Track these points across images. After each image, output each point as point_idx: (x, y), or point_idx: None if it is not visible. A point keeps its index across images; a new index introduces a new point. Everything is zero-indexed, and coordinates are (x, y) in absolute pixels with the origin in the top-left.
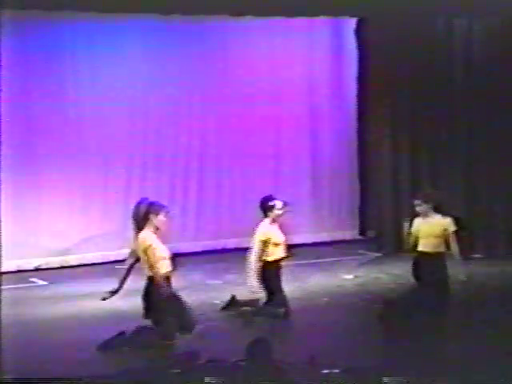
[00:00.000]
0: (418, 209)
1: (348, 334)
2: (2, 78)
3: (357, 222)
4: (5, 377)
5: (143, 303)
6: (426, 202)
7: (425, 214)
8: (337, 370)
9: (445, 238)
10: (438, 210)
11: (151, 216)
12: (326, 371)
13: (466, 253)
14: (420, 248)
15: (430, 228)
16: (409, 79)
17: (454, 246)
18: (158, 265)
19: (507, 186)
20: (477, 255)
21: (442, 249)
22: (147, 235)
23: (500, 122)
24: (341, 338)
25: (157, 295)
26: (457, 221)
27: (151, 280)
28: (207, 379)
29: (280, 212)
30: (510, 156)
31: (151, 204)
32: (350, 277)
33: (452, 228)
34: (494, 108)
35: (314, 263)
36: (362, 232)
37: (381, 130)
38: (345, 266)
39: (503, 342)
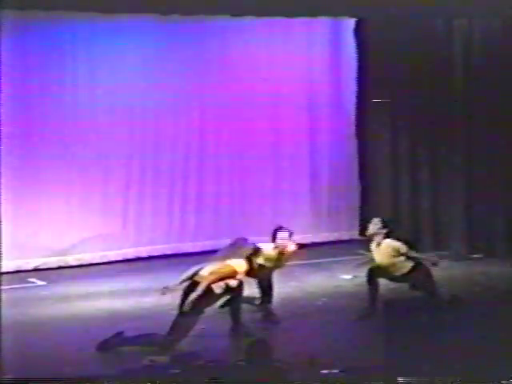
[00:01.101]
0: (372, 228)
1: (347, 334)
2: (1, 79)
3: (356, 223)
4: (4, 377)
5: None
6: (384, 226)
7: (377, 239)
8: (336, 371)
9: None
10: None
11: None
12: (324, 371)
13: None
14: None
15: (381, 254)
16: (409, 79)
17: (415, 255)
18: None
19: (508, 185)
20: (477, 255)
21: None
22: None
23: (500, 122)
24: (339, 338)
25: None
26: (406, 244)
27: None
28: (207, 379)
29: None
30: (510, 155)
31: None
32: (349, 277)
33: (404, 249)
34: (495, 108)
35: (313, 263)
36: (361, 232)
37: (380, 130)
38: (344, 266)
39: (502, 341)
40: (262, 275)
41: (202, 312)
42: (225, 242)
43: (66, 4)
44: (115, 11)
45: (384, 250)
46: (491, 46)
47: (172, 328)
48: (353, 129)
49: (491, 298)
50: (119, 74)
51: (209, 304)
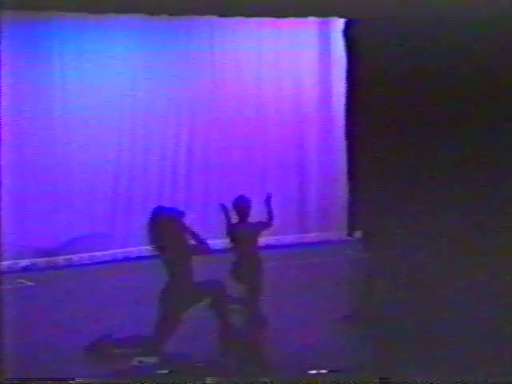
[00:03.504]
0: None
1: (335, 335)
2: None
3: (344, 223)
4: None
5: None
6: None
7: None
8: (324, 371)
9: None
10: None
11: None
12: (313, 372)
13: None
14: None
15: None
16: (398, 80)
17: None
18: None
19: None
20: None
21: None
22: None
23: (497, 126)
24: (328, 338)
25: None
26: None
27: None
28: (195, 379)
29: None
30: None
31: None
32: (338, 277)
33: None
34: (490, 110)
35: (301, 264)
36: (349, 233)
37: (369, 131)
38: (332, 266)
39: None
40: (243, 276)
41: (183, 311)
42: (212, 241)
43: (62, 5)
44: (108, 11)
45: None
46: (485, 47)
47: (156, 328)
48: (341, 129)
49: None
50: (108, 73)
51: (190, 303)
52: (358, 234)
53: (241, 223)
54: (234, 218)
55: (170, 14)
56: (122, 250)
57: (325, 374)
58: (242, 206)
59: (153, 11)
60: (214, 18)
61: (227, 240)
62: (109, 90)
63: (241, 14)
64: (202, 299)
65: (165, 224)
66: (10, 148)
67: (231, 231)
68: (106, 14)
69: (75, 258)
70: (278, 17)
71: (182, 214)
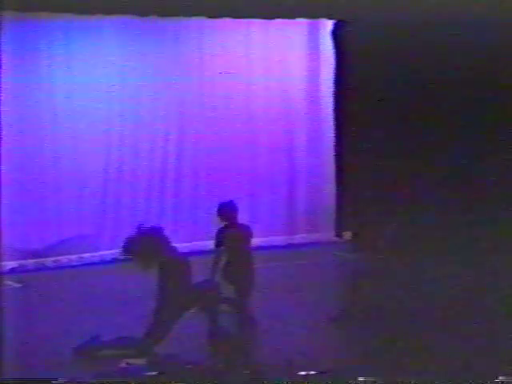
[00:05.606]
0: None
1: (325, 336)
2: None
3: (333, 224)
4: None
5: None
6: None
7: None
8: (313, 372)
9: None
10: None
11: None
12: (302, 373)
13: None
14: None
15: None
16: (387, 81)
17: None
18: None
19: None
20: None
21: None
22: None
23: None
24: (317, 339)
25: None
26: None
27: None
28: (184, 381)
29: None
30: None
31: None
32: (326, 278)
33: None
34: (482, 112)
35: (289, 265)
36: (338, 233)
37: (358, 131)
38: (321, 267)
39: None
40: (234, 277)
41: (179, 315)
42: (201, 244)
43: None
44: (90, 12)
45: None
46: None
47: (148, 331)
48: (330, 130)
49: None
50: (96, 74)
51: (185, 306)
52: (346, 235)
53: (230, 227)
54: (224, 222)
55: (159, 15)
56: (110, 252)
57: (313, 375)
58: (230, 210)
59: (142, 12)
60: (204, 19)
61: (217, 242)
62: (105, 91)
63: (229, 16)
64: (196, 302)
65: (145, 241)
66: None
67: (222, 234)
68: (98, 14)
69: (64, 259)
70: (267, 18)
71: (160, 229)
